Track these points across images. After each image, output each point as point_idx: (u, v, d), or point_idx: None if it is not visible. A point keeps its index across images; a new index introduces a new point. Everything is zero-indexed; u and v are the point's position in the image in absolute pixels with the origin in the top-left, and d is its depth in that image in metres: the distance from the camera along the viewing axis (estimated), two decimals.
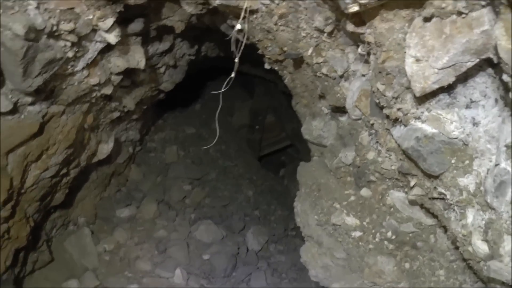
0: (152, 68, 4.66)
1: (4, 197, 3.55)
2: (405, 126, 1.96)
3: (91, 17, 2.84)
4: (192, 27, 4.03)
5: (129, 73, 4.12)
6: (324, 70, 2.69)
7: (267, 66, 3.43)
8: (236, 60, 2.32)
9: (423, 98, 1.76)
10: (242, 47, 2.25)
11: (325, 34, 2.47)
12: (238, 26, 2.16)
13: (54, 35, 2.81)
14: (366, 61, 2.38)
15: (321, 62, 2.68)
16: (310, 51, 2.65)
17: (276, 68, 3.35)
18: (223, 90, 2.41)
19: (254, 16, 2.63)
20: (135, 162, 6.83)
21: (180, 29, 3.70)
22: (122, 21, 3.32)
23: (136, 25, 3.45)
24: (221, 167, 7.35)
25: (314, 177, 3.47)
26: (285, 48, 2.76)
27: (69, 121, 3.81)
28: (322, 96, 3.10)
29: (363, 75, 2.49)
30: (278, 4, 2.40)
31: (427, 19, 1.56)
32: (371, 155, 2.55)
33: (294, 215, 3.65)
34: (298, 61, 2.95)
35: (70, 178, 4.70)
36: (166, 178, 6.83)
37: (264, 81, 8.28)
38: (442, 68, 1.54)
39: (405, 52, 1.69)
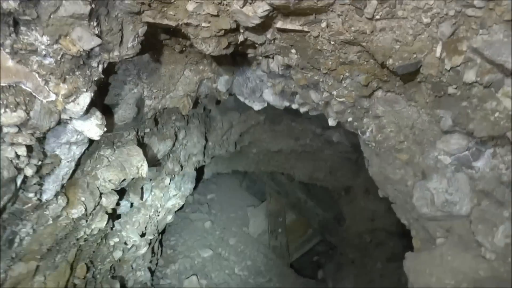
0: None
1: None
2: None
3: (52, 97, 1.66)
4: None
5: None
6: None
7: (332, 122, 2.28)
8: None
9: None
10: None
11: None
12: None
13: None
14: None
15: None
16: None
17: (349, 120, 2.19)
18: None
19: None
20: None
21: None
22: (106, 109, 2.19)
23: (127, 111, 2.28)
24: (254, 286, 6.27)
25: (449, 271, 2.18)
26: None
27: (49, 282, 2.48)
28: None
29: None
30: None
31: None
32: None
33: None
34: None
35: None
36: None
37: (272, 176, 7.21)
38: None
39: None
